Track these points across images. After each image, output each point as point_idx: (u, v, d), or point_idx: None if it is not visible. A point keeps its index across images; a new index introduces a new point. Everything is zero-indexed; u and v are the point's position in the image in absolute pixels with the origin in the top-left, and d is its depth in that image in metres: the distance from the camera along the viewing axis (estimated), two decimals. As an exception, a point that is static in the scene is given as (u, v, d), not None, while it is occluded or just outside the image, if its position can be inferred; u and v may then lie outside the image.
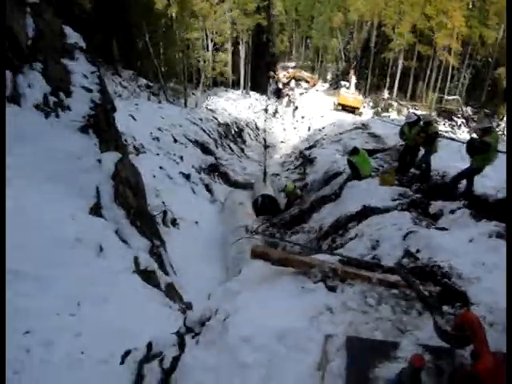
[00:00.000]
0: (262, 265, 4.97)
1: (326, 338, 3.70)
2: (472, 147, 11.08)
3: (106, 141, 10.78)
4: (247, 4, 49.85)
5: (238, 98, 50.70)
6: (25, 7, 9.74)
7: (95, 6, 34.55)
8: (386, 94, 59.49)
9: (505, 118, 52.58)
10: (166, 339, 5.00)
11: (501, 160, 11.44)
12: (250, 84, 56.85)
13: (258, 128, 45.40)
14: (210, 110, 39.88)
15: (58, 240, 7.27)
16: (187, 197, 20.23)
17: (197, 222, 18.01)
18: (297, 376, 3.55)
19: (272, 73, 68.73)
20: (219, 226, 18.44)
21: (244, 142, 40.14)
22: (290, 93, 62.72)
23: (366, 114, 50.52)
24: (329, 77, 75.82)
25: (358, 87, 55.37)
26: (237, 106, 46.73)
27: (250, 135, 42.47)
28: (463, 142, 13.60)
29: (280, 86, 67.24)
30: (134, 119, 24.06)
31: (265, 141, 28.86)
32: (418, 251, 6.12)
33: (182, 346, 4.65)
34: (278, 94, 65.22)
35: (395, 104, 56.31)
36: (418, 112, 41.91)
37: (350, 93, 49.45)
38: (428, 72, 59.66)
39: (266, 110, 46.98)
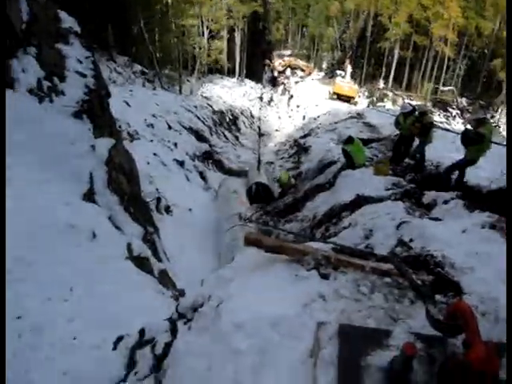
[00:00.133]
0: (255, 252, 4.97)
1: (318, 325, 3.71)
2: (466, 138, 11.09)
3: (99, 126, 10.71)
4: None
5: (233, 85, 50.57)
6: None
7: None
8: (381, 84, 59.44)
9: (499, 110, 52.77)
10: (158, 325, 5.00)
11: (494, 151, 11.47)
12: (245, 72, 56.70)
13: (252, 116, 45.29)
14: (205, 97, 39.76)
15: (50, 226, 7.25)
16: (181, 184, 20.17)
17: (190, 209, 17.98)
18: (289, 363, 3.57)
19: (267, 61, 68.48)
20: (213, 213, 18.42)
21: (239, 129, 40.04)
22: (286, 81, 62.57)
23: (361, 103, 50.52)
24: (324, 65, 75.62)
25: (353, 76, 55.30)
26: (232, 93, 46.61)
27: (244, 123, 42.37)
28: (458, 133, 13.61)
29: (275, 74, 67.04)
30: (129, 105, 23.94)
31: (259, 129, 28.82)
32: (411, 241, 6.13)
33: (174, 332, 4.66)
34: (274, 82, 65.05)
35: (390, 94, 56.32)
36: (413, 102, 41.91)
37: (345, 82, 49.39)
38: (424, 62, 59.68)
39: (261, 98, 46.84)
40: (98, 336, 5.61)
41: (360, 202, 11.21)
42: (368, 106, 46.98)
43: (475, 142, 10.83)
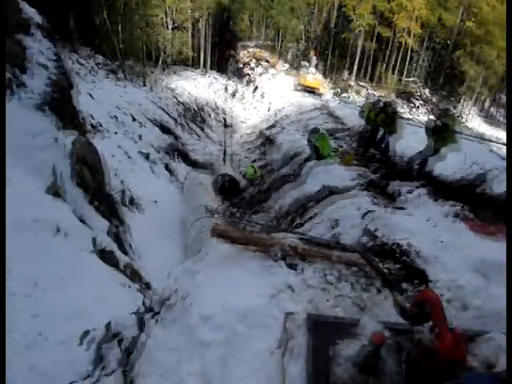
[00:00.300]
0: (222, 244, 4.94)
1: (286, 315, 3.70)
2: (430, 128, 11.22)
3: (63, 119, 10.53)
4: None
5: (198, 77, 50.21)
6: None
7: (51, -20, 33.64)
8: (345, 75, 59.72)
9: (462, 101, 53.61)
10: (125, 319, 4.95)
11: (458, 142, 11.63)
12: (210, 63, 56.36)
13: (218, 107, 45.06)
14: (170, 88, 39.41)
15: (14, 220, 7.10)
16: (146, 176, 20.00)
17: (156, 202, 17.85)
18: (257, 354, 3.56)
19: (232, 52, 68.23)
20: (179, 205, 18.31)
21: (204, 121, 39.81)
22: (251, 72, 62.45)
23: (326, 94, 50.71)
24: (289, 57, 75.58)
25: (318, 68, 55.45)
26: (197, 85, 46.25)
27: (210, 115, 42.14)
28: (422, 123, 13.76)
29: (240, 65, 66.82)
30: (92, 98, 23.57)
31: (225, 120, 28.70)
32: (376, 230, 6.17)
33: (141, 326, 4.62)
34: (239, 73, 64.85)
35: (355, 85, 56.64)
36: (377, 93, 42.30)
37: (310, 73, 49.48)
38: (387, 54, 60.12)
39: (226, 90, 46.63)
40: (64, 331, 5.53)
41: (326, 192, 11.27)
42: (333, 97, 47.19)
43: (438, 131, 10.96)
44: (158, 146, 24.50)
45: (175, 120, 32.01)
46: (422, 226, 5.91)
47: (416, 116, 41.20)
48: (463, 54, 51.68)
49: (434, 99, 53.57)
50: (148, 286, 9.74)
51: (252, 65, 65.18)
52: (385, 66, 60.83)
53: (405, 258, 4.92)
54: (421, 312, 3.11)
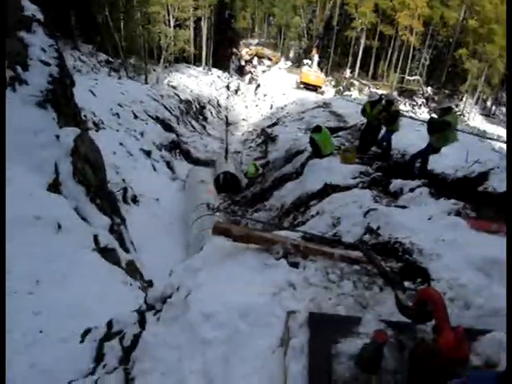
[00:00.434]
0: (223, 241, 4.93)
1: (288, 314, 3.70)
2: (432, 126, 11.21)
3: (64, 116, 10.55)
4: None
5: (200, 74, 50.22)
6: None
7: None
8: (347, 73, 59.77)
9: (464, 99, 53.57)
10: (126, 317, 4.95)
11: (459, 139, 11.62)
12: (211, 61, 56.36)
13: (219, 105, 45.11)
14: (172, 86, 39.40)
15: (16, 218, 7.12)
16: (148, 174, 20.05)
17: (158, 200, 17.88)
18: (259, 352, 3.55)
19: (234, 49, 68.24)
20: (180, 203, 18.34)
21: (206, 119, 39.83)
22: (253, 70, 62.53)
23: (328, 92, 50.73)
24: (291, 54, 75.63)
25: (320, 65, 55.46)
26: (198, 82, 46.28)
27: (211, 112, 42.17)
28: (424, 121, 13.74)
29: (242, 63, 66.90)
30: (94, 95, 23.57)
31: (227, 118, 28.75)
32: (378, 228, 6.17)
33: (142, 323, 4.61)
34: (241, 71, 64.89)
35: (357, 83, 56.65)
36: (380, 91, 42.26)
37: (312, 71, 49.51)
38: (390, 52, 60.16)
39: (228, 87, 46.67)
40: (65, 329, 5.55)
41: (327, 190, 11.26)
42: (335, 95, 47.23)
43: (441, 129, 10.95)
44: (160, 143, 24.55)
45: (177, 117, 32.05)
46: (424, 224, 5.90)
47: (418, 114, 41.18)
48: (466, 53, 51.61)
49: (436, 97, 53.51)
50: (150, 283, 9.75)
51: (254, 62, 65.33)
52: (387, 63, 60.90)
53: (407, 256, 4.91)
54: (423, 310, 3.10)
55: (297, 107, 36.13)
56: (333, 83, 56.69)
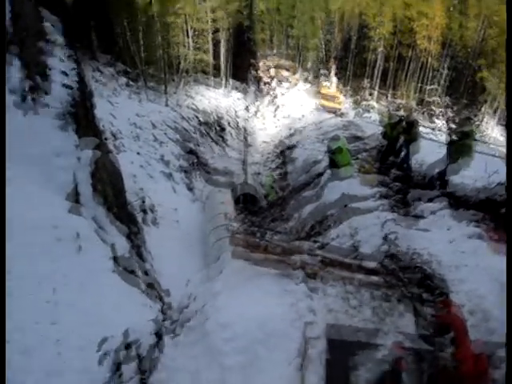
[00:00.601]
0: (243, 265, 4.94)
1: (305, 324, 3.69)
2: (454, 150, 11.18)
3: (83, 127, 10.64)
4: (229, 3, 49.78)
5: (220, 96, 50.52)
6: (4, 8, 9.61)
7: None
8: (365, 83, 59.77)
9: (483, 108, 53.26)
10: (142, 327, 4.97)
11: (477, 149, 11.57)
12: (230, 72, 56.59)
13: (239, 127, 45.31)
14: (192, 108, 39.66)
15: (34, 228, 7.22)
16: (168, 196, 20.10)
17: (178, 221, 17.91)
18: (277, 362, 3.54)
19: (252, 61, 68.77)
20: (200, 225, 18.35)
21: (225, 140, 39.95)
22: (272, 92, 62.79)
23: (347, 114, 50.73)
24: (309, 65, 75.82)
25: (338, 87, 55.61)
26: (218, 104, 46.58)
27: (231, 134, 42.29)
28: (444, 143, 13.69)
29: (260, 74, 67.49)
30: (114, 117, 23.82)
31: (246, 140, 28.79)
32: (396, 239, 6.14)
33: (159, 333, 4.62)
34: (258, 83, 65.34)
35: (375, 93, 56.66)
36: (398, 101, 42.21)
37: (331, 93, 49.66)
38: (408, 61, 60.12)
39: (247, 109, 46.88)
40: (82, 338, 5.60)
41: (348, 212, 11.23)
42: (354, 117, 47.23)
43: (462, 153, 10.91)
44: (180, 165, 24.65)
45: (197, 139, 32.22)
46: (443, 236, 5.87)
47: (436, 124, 41.04)
48: (485, 63, 51.42)
49: (454, 107, 53.32)
50: (166, 293, 9.77)
51: (272, 73, 65.82)
52: (405, 73, 60.79)
53: (425, 267, 4.88)
54: (442, 323, 3.08)
55: (316, 129, 36.20)
56: (352, 105, 56.71)
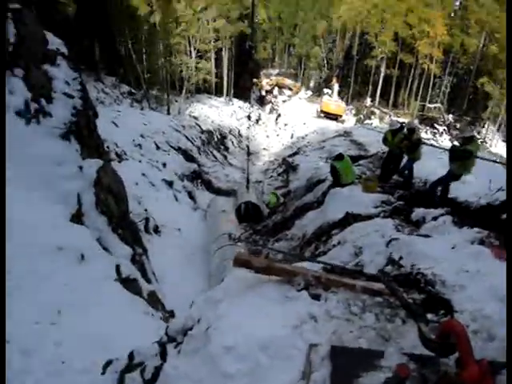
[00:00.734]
0: (244, 273, 4.92)
1: (310, 347, 3.67)
2: (454, 154, 11.17)
3: (87, 147, 10.70)
4: (230, 11, 49.97)
5: (221, 105, 50.62)
6: (6, 12, 9.63)
7: (77, 12, 34.30)
8: (368, 102, 59.75)
9: (486, 125, 53.23)
10: (147, 348, 4.93)
11: (481, 166, 11.53)
12: (233, 91, 56.84)
13: (240, 135, 45.35)
14: (193, 117, 39.73)
15: (39, 247, 7.20)
16: (170, 204, 20.13)
17: (179, 230, 17.92)
18: (279, 369, 3.53)
19: (255, 80, 68.71)
20: (202, 233, 18.36)
21: (227, 149, 40.06)
22: (273, 100, 62.83)
23: (349, 121, 50.79)
24: (312, 84, 75.94)
25: (340, 95, 55.64)
26: (220, 113, 46.65)
27: (233, 142, 42.41)
28: (445, 149, 13.65)
29: (263, 93, 67.26)
30: (117, 126, 23.88)
31: (248, 148, 28.79)
32: (401, 258, 6.11)
33: (163, 355, 4.60)
34: (261, 101, 65.23)
35: (377, 111, 56.62)
36: (401, 119, 42.22)
37: (332, 100, 49.68)
38: (410, 80, 60.18)
39: (248, 117, 46.93)
40: (87, 360, 5.55)
41: (349, 219, 11.21)
42: (355, 124, 47.26)
43: (462, 158, 10.91)
44: (182, 173, 24.69)
45: (198, 148, 32.27)
46: (447, 254, 5.83)
47: (440, 142, 40.98)
48: (487, 80, 51.36)
49: (457, 124, 53.29)
50: (171, 313, 9.74)
51: (275, 92, 65.62)
52: (407, 92, 60.85)
53: (429, 287, 4.85)
54: (446, 343, 3.05)
55: (317, 136, 36.26)
56: (353, 112, 56.70)
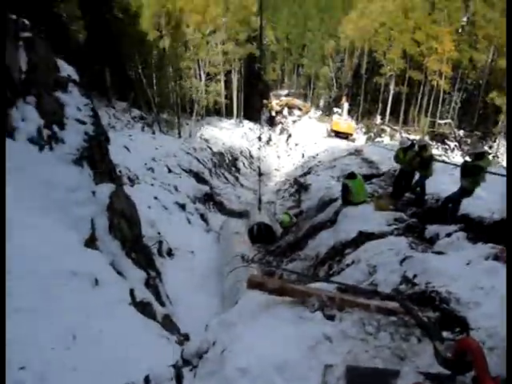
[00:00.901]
0: (258, 294, 4.92)
1: (325, 367, 3.65)
2: (465, 170, 11.14)
3: (100, 172, 10.77)
4: (239, 34, 50.44)
5: (232, 127, 50.90)
6: (18, 41, 9.77)
7: (88, 38, 34.75)
8: (378, 120, 59.80)
9: (497, 140, 52.96)
10: (163, 372, 4.93)
11: (494, 182, 11.46)
12: (243, 113, 57.10)
13: (251, 156, 45.52)
14: (204, 139, 39.96)
15: (53, 273, 7.21)
16: (183, 227, 20.18)
17: (193, 252, 17.94)
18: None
19: (265, 101, 68.98)
20: (215, 255, 18.35)
21: (238, 170, 40.20)
22: (283, 121, 63.09)
23: (359, 139, 50.84)
24: (321, 104, 76.26)
25: (350, 113, 55.78)
26: (230, 135, 46.87)
27: (244, 164, 42.57)
28: (456, 165, 13.62)
29: (273, 113, 67.52)
30: (129, 150, 24.08)
31: (259, 169, 28.86)
32: (415, 276, 6.08)
33: (179, 379, 4.59)
34: (272, 121, 65.47)
35: (388, 129, 56.60)
36: (411, 136, 42.21)
37: (342, 119, 49.85)
38: (420, 96, 60.14)
39: (259, 138, 47.09)
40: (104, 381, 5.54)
41: (362, 238, 11.17)
42: (366, 142, 47.28)
43: (473, 174, 10.89)
44: (194, 196, 24.77)
45: (210, 170, 32.42)
46: (462, 271, 5.79)
47: (451, 158, 40.86)
48: (497, 94, 51.17)
49: (468, 140, 53.11)
50: (186, 337, 9.71)
51: (284, 113, 65.90)
52: (417, 108, 60.77)
53: (444, 305, 4.83)
54: (462, 361, 3.04)
55: (328, 155, 36.30)
56: (364, 130, 56.78)
